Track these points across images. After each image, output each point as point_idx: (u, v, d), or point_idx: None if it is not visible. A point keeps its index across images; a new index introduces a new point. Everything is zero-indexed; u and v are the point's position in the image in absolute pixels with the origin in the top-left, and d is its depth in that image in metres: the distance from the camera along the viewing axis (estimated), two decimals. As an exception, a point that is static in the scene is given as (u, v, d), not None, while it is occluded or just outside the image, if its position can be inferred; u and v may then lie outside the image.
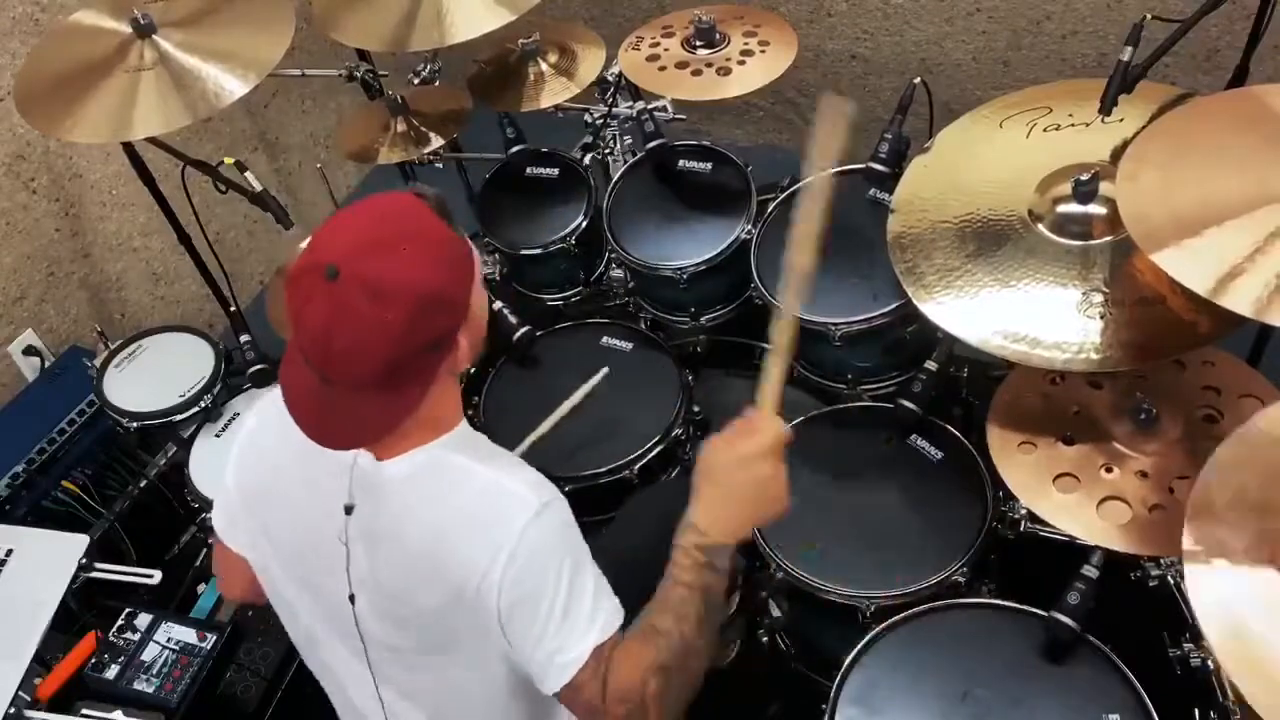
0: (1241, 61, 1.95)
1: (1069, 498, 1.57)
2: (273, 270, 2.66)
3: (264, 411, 1.39)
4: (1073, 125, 1.79)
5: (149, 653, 1.87)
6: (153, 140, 2.08)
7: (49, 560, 1.96)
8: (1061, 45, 2.72)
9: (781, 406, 1.27)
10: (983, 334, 1.58)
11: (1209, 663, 1.45)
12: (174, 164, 2.17)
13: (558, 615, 1.18)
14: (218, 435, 2.21)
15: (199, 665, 1.86)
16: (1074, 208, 1.64)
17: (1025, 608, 1.57)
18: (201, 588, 2.18)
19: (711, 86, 2.15)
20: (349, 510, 1.25)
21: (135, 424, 2.18)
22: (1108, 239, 1.61)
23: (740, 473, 1.24)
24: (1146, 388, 1.63)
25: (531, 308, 2.39)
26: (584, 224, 2.33)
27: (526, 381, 2.19)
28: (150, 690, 1.82)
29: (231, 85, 1.89)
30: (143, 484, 2.29)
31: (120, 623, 1.91)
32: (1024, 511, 1.68)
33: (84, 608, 2.01)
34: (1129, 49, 1.65)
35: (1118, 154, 1.65)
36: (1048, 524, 1.57)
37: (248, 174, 2.03)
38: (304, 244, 1.26)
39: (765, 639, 1.95)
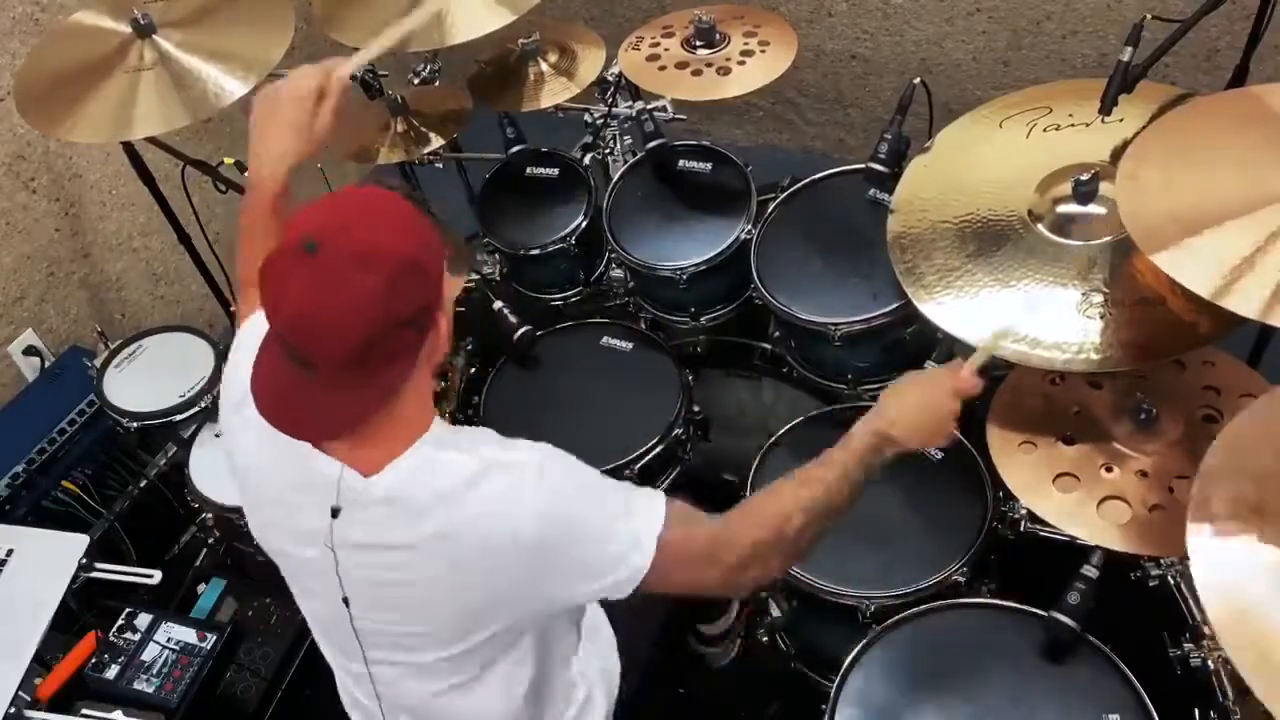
0: (1241, 61, 1.95)
1: (1069, 498, 1.57)
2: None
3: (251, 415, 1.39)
4: (1073, 125, 1.79)
5: (149, 653, 1.88)
6: (153, 140, 2.08)
7: (49, 560, 1.96)
8: (1061, 45, 2.72)
9: (987, 375, 1.42)
10: (983, 334, 1.58)
11: (1209, 663, 1.45)
12: (174, 164, 2.17)
13: (619, 519, 1.23)
14: (218, 435, 2.21)
15: (199, 665, 1.86)
16: (1074, 208, 1.64)
17: (1025, 608, 1.57)
18: (201, 588, 2.18)
19: (711, 86, 2.15)
20: (335, 514, 1.25)
21: (135, 424, 2.18)
22: (1108, 239, 1.60)
23: (939, 396, 1.37)
24: (1146, 388, 1.63)
25: (531, 308, 2.39)
26: (584, 224, 2.33)
27: (526, 381, 2.19)
28: (150, 690, 1.82)
29: (231, 85, 1.89)
30: (143, 484, 2.30)
31: (120, 623, 1.91)
32: (1024, 511, 1.68)
33: (84, 608, 2.01)
34: (1129, 49, 1.65)
35: (1118, 154, 1.65)
36: (1048, 524, 1.57)
37: (247, 174, 2.03)
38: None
39: (765, 639, 1.95)
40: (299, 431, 1.17)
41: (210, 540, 2.25)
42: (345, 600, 1.30)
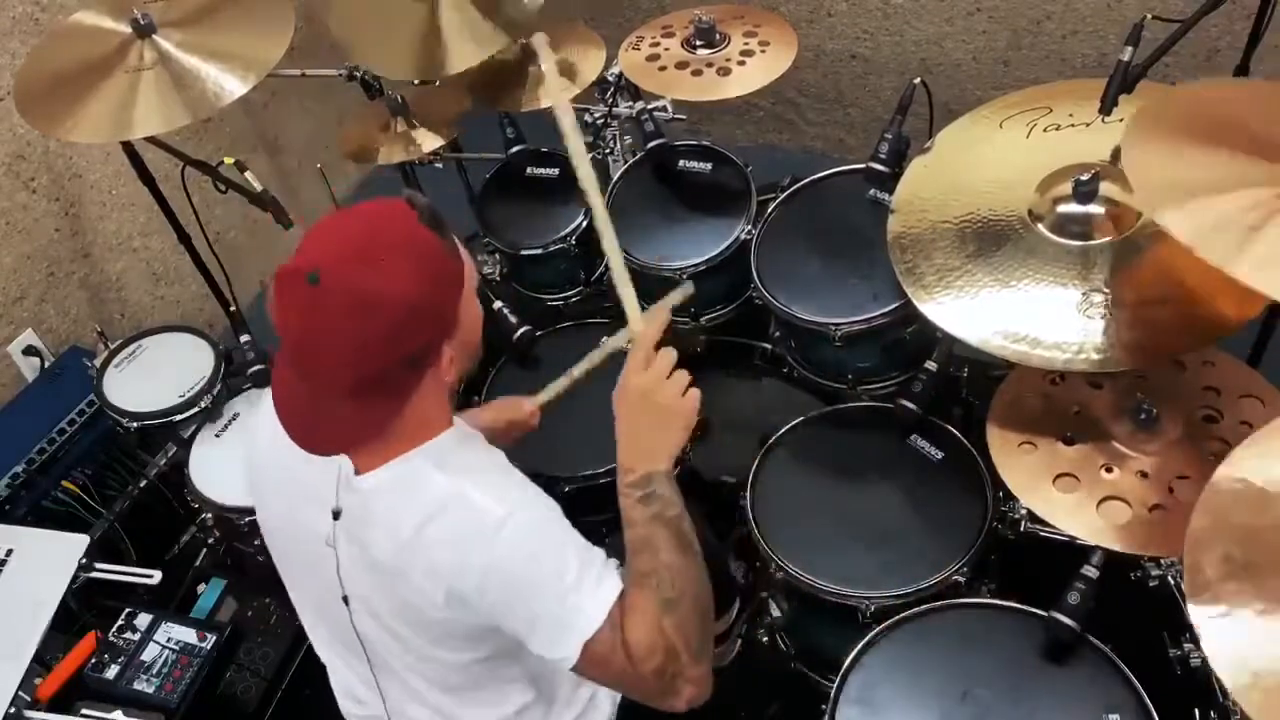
0: (1241, 61, 1.95)
1: (1069, 498, 1.56)
2: (273, 270, 2.66)
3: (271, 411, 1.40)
4: (1073, 125, 1.78)
5: (149, 653, 1.87)
6: (153, 140, 2.08)
7: (49, 560, 1.96)
8: (1061, 45, 2.72)
9: (661, 331, 1.38)
10: (983, 334, 1.58)
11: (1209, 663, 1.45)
12: (174, 164, 2.17)
13: (552, 606, 1.18)
14: (218, 435, 2.21)
15: (199, 665, 1.86)
16: (1074, 208, 1.64)
17: (1025, 608, 1.57)
18: (201, 588, 2.18)
19: (711, 86, 2.15)
20: (336, 515, 1.26)
21: (135, 424, 2.18)
22: (1108, 239, 1.60)
23: (642, 404, 1.32)
24: (1146, 388, 1.63)
25: (531, 308, 2.39)
26: (584, 224, 2.33)
27: (527, 381, 2.18)
28: (150, 690, 1.82)
29: (231, 85, 1.89)
30: (143, 484, 2.29)
31: (120, 623, 1.91)
32: (1024, 511, 1.68)
33: (84, 608, 2.01)
34: (1129, 49, 1.65)
35: (1118, 154, 1.64)
36: (1048, 524, 1.57)
37: (248, 174, 2.03)
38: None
39: (765, 639, 1.95)
40: (304, 442, 1.19)
41: (210, 540, 2.25)
42: (345, 599, 1.30)
